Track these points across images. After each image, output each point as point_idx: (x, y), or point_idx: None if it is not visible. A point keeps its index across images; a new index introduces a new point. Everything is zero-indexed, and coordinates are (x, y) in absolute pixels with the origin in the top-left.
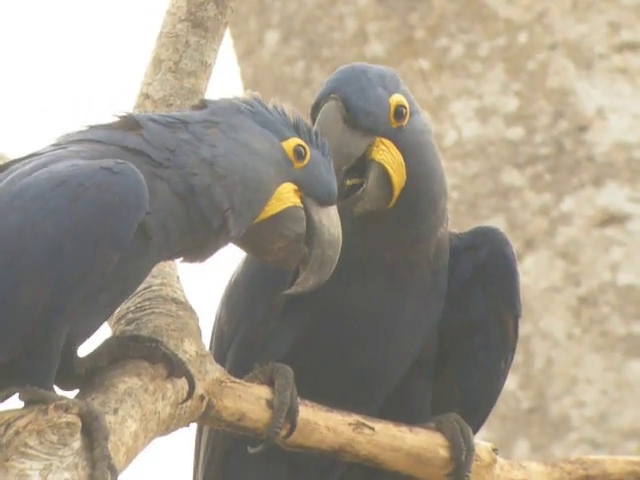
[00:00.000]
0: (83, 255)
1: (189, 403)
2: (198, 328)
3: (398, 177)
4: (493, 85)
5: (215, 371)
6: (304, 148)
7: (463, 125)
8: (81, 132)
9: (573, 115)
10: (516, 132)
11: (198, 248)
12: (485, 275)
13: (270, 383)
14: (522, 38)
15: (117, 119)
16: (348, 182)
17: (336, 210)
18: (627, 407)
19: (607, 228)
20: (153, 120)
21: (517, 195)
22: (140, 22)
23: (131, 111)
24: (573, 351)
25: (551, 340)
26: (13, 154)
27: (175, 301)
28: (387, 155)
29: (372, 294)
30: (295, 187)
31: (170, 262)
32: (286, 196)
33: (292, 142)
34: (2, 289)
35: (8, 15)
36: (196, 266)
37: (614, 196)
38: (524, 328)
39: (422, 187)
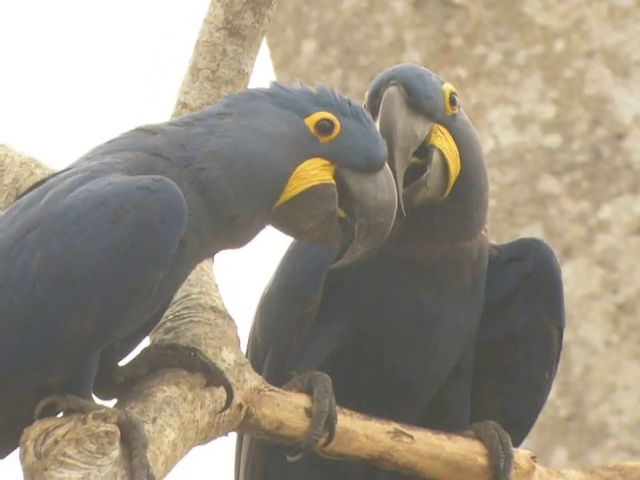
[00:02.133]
0: (128, 277)
1: (228, 412)
2: (237, 336)
3: (454, 166)
4: (530, 93)
5: (253, 380)
6: (330, 121)
7: (500, 133)
8: (109, 142)
9: (610, 123)
10: (553, 140)
11: (231, 242)
12: (530, 287)
13: (308, 391)
14: (559, 46)
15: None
16: (412, 160)
17: (388, 173)
18: None
19: None
20: (172, 124)
21: (554, 203)
22: (178, 31)
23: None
24: (611, 358)
25: (589, 348)
26: (55, 164)
27: (214, 309)
28: (445, 142)
29: (414, 297)
30: (325, 162)
31: (208, 270)
32: (312, 174)
33: (315, 117)
34: (51, 316)
35: (45, 25)
36: (235, 275)
37: None
38: None
39: (473, 178)
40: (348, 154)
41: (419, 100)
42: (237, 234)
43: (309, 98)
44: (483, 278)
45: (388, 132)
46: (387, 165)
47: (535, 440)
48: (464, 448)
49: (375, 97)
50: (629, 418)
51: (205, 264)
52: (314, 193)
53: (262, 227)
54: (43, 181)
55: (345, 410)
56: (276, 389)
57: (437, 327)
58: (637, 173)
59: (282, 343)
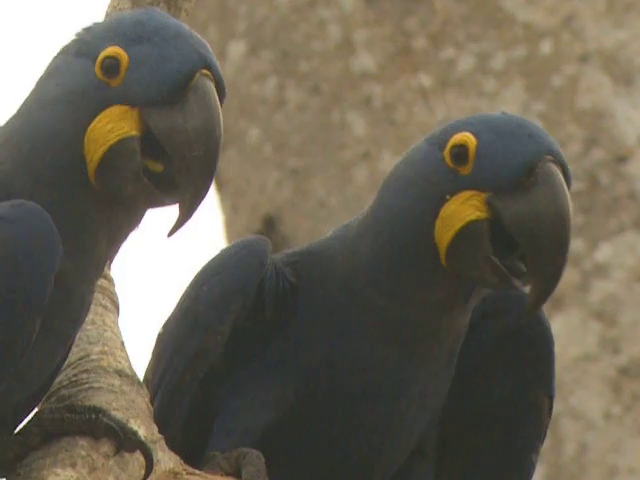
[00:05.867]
0: (1, 330)
1: None
2: (148, 406)
3: None
4: (511, 105)
5: (168, 460)
6: (112, 57)
7: None
8: None
9: (610, 142)
10: None
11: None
12: (512, 348)
13: (236, 473)
14: (546, 47)
15: None
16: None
17: (199, 94)
18: None
19: None
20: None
21: None
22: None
23: None
24: (612, 434)
25: (584, 421)
26: None
27: (119, 373)
28: None
29: (383, 358)
30: (123, 108)
31: (112, 325)
32: (105, 130)
33: (100, 57)
34: None
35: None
36: (145, 330)
37: None
38: None
39: None
40: (142, 89)
41: (569, 185)
42: (88, 228)
43: (105, 34)
44: (459, 348)
45: (561, 226)
46: (200, 83)
47: None
48: None
49: (532, 171)
50: None
51: (109, 317)
52: (114, 153)
53: (120, 202)
54: None
55: None
56: (197, 472)
57: (403, 397)
58: None
59: (171, 383)
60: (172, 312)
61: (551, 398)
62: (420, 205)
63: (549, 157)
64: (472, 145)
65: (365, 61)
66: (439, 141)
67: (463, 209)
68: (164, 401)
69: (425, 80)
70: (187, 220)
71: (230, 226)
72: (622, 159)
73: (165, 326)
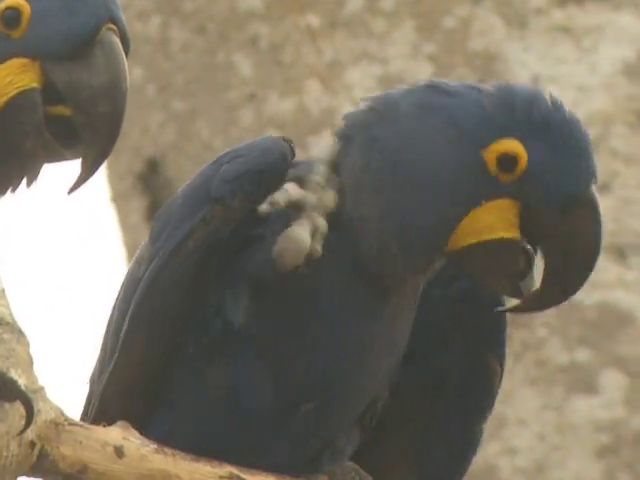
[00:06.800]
0: None
1: (16, 452)
2: (29, 355)
3: None
4: (400, 47)
5: (50, 410)
6: (17, 7)
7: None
8: None
9: None
10: None
11: None
12: (463, 312)
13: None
14: None
15: None
16: None
17: (106, 48)
18: (570, 455)
19: None
20: None
21: None
22: None
23: None
24: (501, 384)
25: None
26: None
27: None
28: None
29: (352, 293)
30: (26, 61)
31: None
32: (4, 83)
33: (1, 8)
34: None
35: None
36: (28, 277)
37: None
38: None
39: None
40: (44, 42)
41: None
42: None
43: None
44: (421, 287)
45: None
46: (106, 38)
47: None
48: None
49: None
50: (525, 460)
51: None
52: (14, 106)
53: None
54: None
55: (166, 449)
56: (79, 423)
57: (373, 351)
58: None
59: (171, 246)
60: (182, 189)
61: (502, 366)
62: None
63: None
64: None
65: (251, 1)
66: None
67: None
68: (163, 263)
69: (313, 20)
70: (89, 177)
71: (112, 168)
72: None
73: (169, 204)
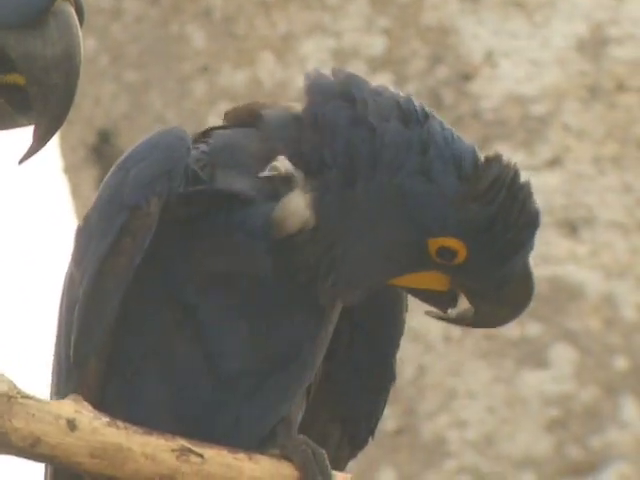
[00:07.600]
0: None
1: None
2: None
3: None
4: (354, 20)
5: (2, 384)
6: None
7: None
8: None
9: (454, 60)
10: (383, 79)
11: None
12: None
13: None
14: None
15: None
16: None
17: (61, 20)
18: (520, 428)
19: None
20: None
21: None
22: None
23: None
24: (451, 357)
25: (423, 343)
26: None
27: None
28: None
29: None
30: None
31: None
32: None
33: None
34: None
35: None
36: None
37: None
38: None
39: None
40: None
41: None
42: None
43: None
44: None
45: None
46: (61, 8)
47: (356, 459)
48: (268, 470)
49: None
50: (474, 432)
51: None
52: None
53: None
54: None
55: (119, 422)
56: (31, 396)
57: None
58: (487, 124)
59: (97, 262)
60: (94, 204)
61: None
62: None
63: None
64: None
65: None
66: None
67: None
68: (90, 287)
69: None
70: (41, 147)
71: (64, 139)
72: (467, 77)
73: (86, 218)
